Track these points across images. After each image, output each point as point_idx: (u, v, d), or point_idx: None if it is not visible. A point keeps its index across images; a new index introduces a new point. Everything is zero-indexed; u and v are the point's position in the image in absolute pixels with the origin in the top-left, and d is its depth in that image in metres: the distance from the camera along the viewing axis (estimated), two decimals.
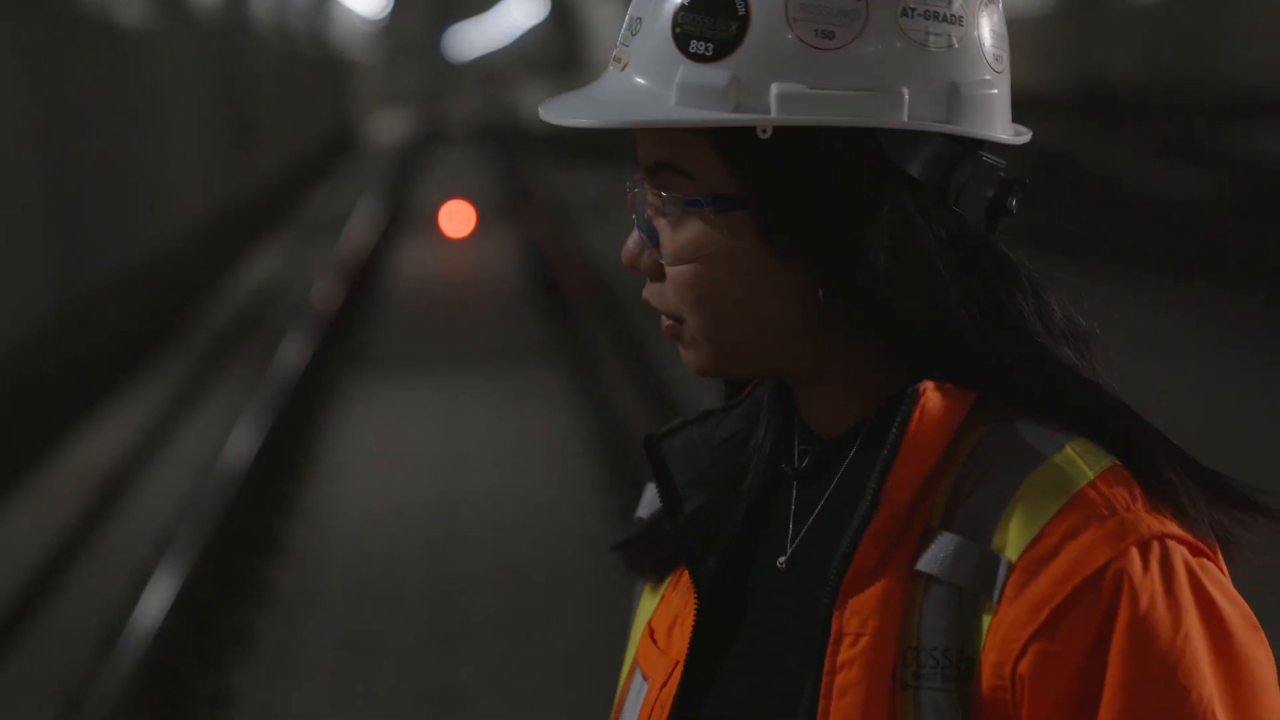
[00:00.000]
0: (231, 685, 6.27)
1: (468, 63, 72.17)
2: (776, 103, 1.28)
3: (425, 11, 52.79)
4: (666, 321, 1.40)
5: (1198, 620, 1.24)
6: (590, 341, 12.26)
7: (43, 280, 12.59)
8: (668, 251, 1.36)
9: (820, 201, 1.31)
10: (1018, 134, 1.35)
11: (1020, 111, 1.41)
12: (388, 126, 47.71)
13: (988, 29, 1.33)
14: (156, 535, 8.10)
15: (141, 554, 7.81)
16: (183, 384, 12.72)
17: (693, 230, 1.35)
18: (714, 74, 1.30)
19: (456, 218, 19.96)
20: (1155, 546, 1.23)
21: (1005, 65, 1.34)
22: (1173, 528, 1.25)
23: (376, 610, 7.49)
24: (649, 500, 1.58)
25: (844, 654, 1.31)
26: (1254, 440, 8.72)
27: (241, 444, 9.31)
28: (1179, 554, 1.24)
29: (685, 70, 1.31)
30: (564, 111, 1.39)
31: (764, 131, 1.29)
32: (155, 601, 6.73)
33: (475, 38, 73.64)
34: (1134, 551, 1.23)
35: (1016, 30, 1.59)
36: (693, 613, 1.44)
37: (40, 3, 14.04)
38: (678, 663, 1.44)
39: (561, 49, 68.36)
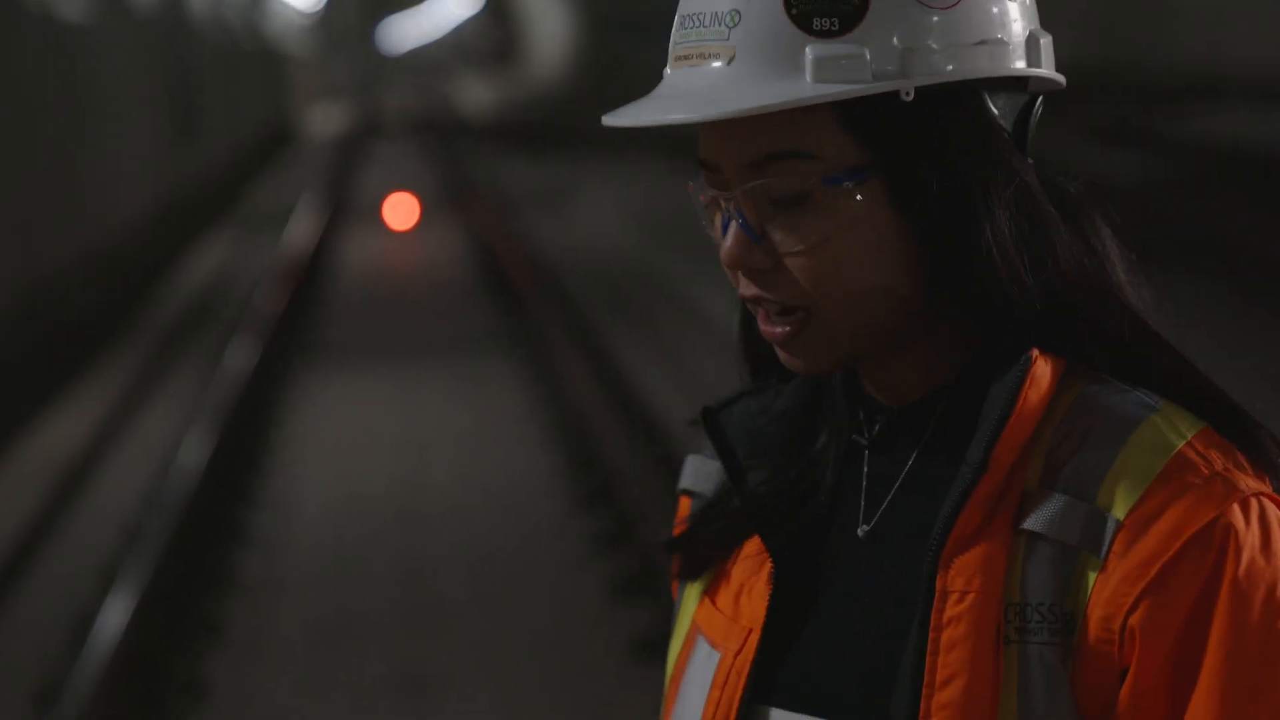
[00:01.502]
0: (205, 673, 6.25)
1: (402, 55, 71.78)
2: (915, 65, 1.30)
3: (359, 5, 52.70)
4: (781, 326, 1.38)
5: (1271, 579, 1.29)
6: (540, 329, 12.28)
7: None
8: (796, 238, 1.35)
9: (951, 159, 1.32)
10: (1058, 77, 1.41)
11: None
12: (324, 119, 47.57)
13: None
14: (121, 527, 8.02)
15: (108, 545, 7.74)
16: (137, 376, 12.64)
17: (823, 209, 1.34)
18: (847, 46, 1.30)
19: (400, 210, 19.91)
20: (1254, 504, 1.27)
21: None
22: (1266, 486, 1.28)
23: (345, 595, 7.42)
24: (691, 473, 1.58)
25: (950, 611, 1.33)
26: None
27: (199, 436, 9.23)
28: (1273, 511, 1.29)
29: (815, 47, 1.31)
30: (665, 110, 1.36)
31: (907, 94, 1.30)
32: (125, 592, 6.69)
33: (410, 30, 73.32)
34: (1236, 508, 1.27)
35: None
36: (764, 581, 1.44)
37: None
38: (751, 630, 1.45)
39: (498, 40, 67.41)
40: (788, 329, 1.36)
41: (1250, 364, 10.74)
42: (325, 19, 54.67)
